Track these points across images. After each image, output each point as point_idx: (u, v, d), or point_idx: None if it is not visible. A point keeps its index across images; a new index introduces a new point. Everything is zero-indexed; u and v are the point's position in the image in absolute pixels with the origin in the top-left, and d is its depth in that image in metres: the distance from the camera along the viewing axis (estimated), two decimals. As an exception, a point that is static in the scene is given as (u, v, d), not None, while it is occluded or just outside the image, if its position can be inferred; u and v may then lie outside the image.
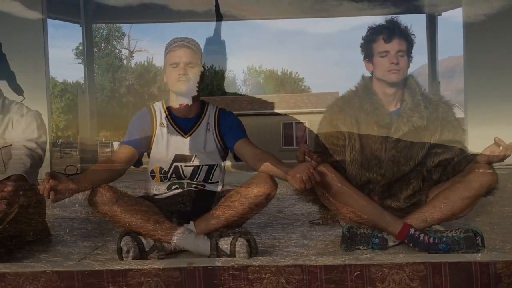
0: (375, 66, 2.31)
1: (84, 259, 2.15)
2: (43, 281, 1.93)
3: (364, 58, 2.39)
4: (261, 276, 1.92)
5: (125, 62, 38.12)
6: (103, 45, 33.98)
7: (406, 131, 2.28)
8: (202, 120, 2.42)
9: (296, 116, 20.46)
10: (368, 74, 2.43)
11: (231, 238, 2.05)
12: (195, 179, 2.37)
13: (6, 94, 2.48)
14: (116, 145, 31.00)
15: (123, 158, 2.27)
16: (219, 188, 2.42)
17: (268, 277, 1.92)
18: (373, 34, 2.31)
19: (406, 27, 2.29)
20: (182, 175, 2.35)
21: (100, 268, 1.94)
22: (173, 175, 2.35)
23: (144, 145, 2.36)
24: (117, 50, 37.05)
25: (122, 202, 2.12)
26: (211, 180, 2.39)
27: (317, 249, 2.21)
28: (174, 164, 2.35)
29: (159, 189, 2.38)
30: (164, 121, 2.39)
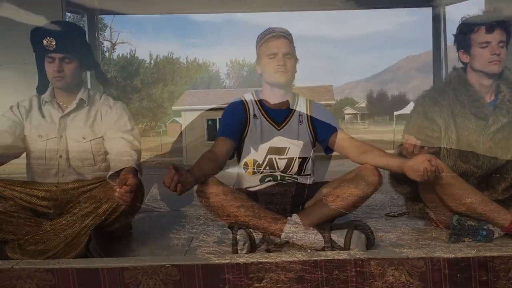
0: (474, 57, 2.30)
1: (188, 252, 2.11)
2: (163, 275, 1.88)
3: (459, 49, 2.37)
4: (384, 269, 1.90)
5: (107, 54, 37.60)
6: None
7: (504, 122, 2.28)
8: (294, 111, 2.38)
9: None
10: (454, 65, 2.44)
11: (345, 230, 2.02)
12: (288, 171, 2.34)
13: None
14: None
15: (224, 150, 2.22)
16: (310, 181, 2.39)
17: (390, 270, 1.90)
18: (472, 24, 2.29)
19: (507, 17, 2.28)
20: (276, 168, 2.32)
21: (221, 261, 1.90)
22: (267, 168, 2.32)
23: (238, 137, 2.32)
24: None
25: (232, 195, 2.08)
26: (303, 172, 2.36)
27: (418, 241, 2.20)
28: (268, 157, 2.31)
29: (252, 181, 2.34)
30: (257, 113, 2.35)
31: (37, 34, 2.22)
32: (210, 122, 18.56)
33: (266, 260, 1.89)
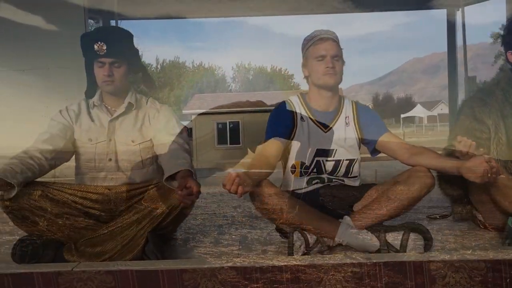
0: None
1: (239, 256, 2.11)
2: (221, 277, 1.88)
3: (507, 50, 2.36)
4: (443, 271, 1.89)
5: (114, 58, 37.61)
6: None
7: None
8: (341, 114, 2.37)
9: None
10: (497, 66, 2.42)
11: (401, 232, 2.01)
12: (335, 173, 2.33)
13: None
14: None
15: (274, 152, 2.22)
16: (357, 183, 2.38)
17: (450, 272, 1.89)
18: None
19: None
20: (323, 170, 2.31)
21: (279, 263, 1.89)
22: (314, 170, 2.31)
23: (286, 139, 2.31)
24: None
25: (286, 197, 2.08)
26: (350, 174, 2.35)
27: (474, 244, 2.19)
28: (316, 159, 2.30)
29: (299, 184, 2.34)
30: (304, 116, 2.35)
31: (87, 39, 2.23)
32: (220, 126, 18.60)
33: (325, 262, 1.89)
